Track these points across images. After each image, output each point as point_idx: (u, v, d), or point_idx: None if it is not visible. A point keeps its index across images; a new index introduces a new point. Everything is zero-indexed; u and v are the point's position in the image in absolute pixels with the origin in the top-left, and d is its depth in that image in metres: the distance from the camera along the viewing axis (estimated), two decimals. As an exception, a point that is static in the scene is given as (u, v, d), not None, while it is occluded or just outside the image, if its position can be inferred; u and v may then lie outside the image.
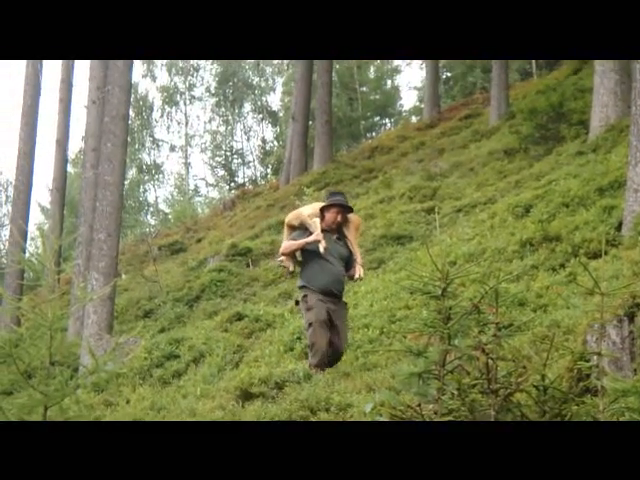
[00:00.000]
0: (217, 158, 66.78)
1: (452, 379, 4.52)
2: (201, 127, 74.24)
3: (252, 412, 8.53)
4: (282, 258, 9.86)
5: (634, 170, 11.37)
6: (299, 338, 11.90)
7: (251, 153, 66.53)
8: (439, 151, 28.77)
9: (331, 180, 29.46)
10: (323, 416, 7.80)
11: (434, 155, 28.27)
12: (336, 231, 9.66)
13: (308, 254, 9.54)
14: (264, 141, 66.47)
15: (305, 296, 9.38)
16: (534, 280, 11.08)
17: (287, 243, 9.69)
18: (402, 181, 24.67)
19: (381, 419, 4.63)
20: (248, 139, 67.59)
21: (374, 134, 55.59)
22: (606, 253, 10.26)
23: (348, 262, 9.65)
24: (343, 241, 9.68)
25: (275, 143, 63.98)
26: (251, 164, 66.29)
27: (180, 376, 13.23)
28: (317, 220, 9.50)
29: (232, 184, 62.93)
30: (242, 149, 66.85)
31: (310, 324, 9.20)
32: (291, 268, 9.92)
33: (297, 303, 9.77)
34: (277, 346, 12.16)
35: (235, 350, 13.35)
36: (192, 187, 67.25)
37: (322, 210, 9.61)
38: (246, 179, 63.86)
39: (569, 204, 13.79)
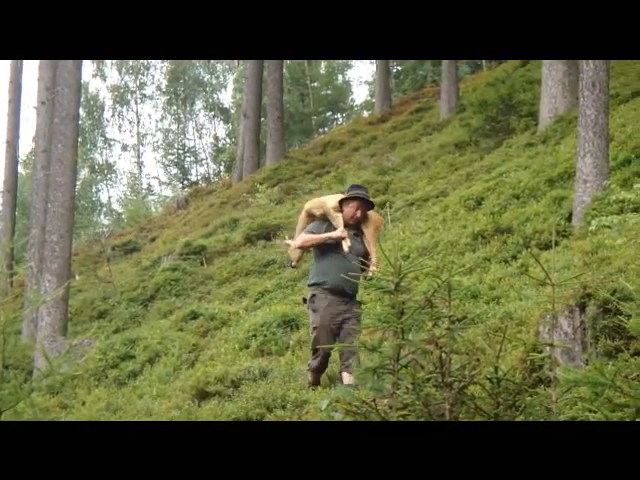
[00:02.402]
0: (170, 156, 66.65)
1: (406, 373, 4.53)
2: (153, 125, 74.55)
3: (208, 411, 8.53)
4: (291, 244, 9.25)
5: (582, 161, 11.51)
6: (254, 335, 11.88)
7: (203, 151, 66.55)
8: (391, 145, 28.89)
9: (284, 176, 29.47)
10: (280, 413, 7.82)
11: (386, 149, 28.40)
12: (354, 226, 8.95)
13: (322, 248, 8.86)
14: (216, 138, 66.53)
15: (313, 296, 8.78)
16: (486, 272, 11.16)
17: (306, 236, 8.92)
18: (354, 176, 24.71)
19: (337, 415, 4.64)
20: (200, 137, 67.68)
21: (326, 129, 55.72)
22: (557, 244, 10.38)
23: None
24: (360, 237, 8.97)
25: (227, 140, 63.99)
26: (204, 162, 66.31)
27: (136, 376, 13.17)
28: (341, 215, 8.85)
29: (185, 182, 62.76)
30: (194, 147, 66.87)
31: (315, 328, 8.69)
32: (294, 263, 9.54)
33: (304, 301, 9.16)
34: (232, 344, 12.15)
35: (190, 349, 13.33)
36: (145, 186, 67.28)
37: (341, 203, 8.88)
38: (199, 177, 63.82)
39: (520, 196, 13.94)
